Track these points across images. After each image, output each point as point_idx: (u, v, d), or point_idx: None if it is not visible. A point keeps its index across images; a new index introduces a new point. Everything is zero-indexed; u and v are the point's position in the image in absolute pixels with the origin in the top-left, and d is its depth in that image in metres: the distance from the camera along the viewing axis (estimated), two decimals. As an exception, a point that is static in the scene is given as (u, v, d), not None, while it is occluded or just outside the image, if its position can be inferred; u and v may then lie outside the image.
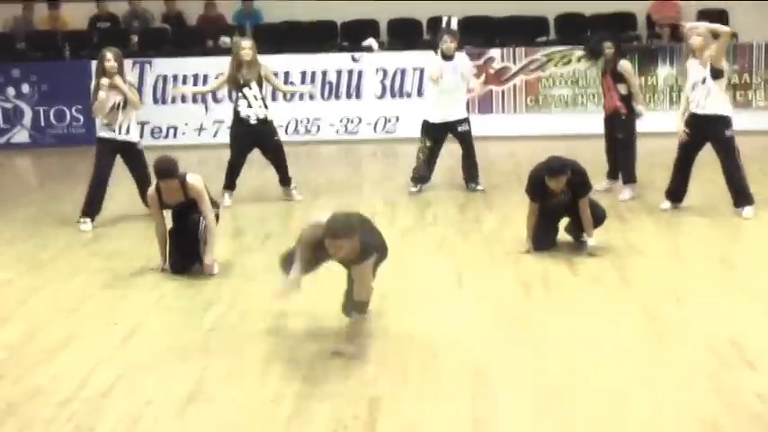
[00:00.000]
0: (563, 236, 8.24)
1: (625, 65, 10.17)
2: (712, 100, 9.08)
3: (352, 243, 5.59)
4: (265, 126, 10.35)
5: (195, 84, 14.29)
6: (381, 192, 10.94)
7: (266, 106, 10.34)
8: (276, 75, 11.34)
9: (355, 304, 5.86)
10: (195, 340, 6.28)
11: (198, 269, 7.66)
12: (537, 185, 7.88)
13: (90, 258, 8.35)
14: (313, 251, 5.90)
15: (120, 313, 6.86)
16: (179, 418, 5.14)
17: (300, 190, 10.59)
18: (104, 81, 9.34)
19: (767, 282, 7.19)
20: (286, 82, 14.84)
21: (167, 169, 7.46)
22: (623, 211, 9.58)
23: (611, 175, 10.42)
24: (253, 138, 10.34)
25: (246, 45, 10.24)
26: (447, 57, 10.61)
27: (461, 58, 10.83)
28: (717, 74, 9.04)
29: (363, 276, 5.80)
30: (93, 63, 13.90)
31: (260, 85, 10.25)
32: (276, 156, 10.50)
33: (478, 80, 12.20)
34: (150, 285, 7.44)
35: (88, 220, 9.42)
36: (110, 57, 9.43)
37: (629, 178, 10.15)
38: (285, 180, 10.58)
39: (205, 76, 14.72)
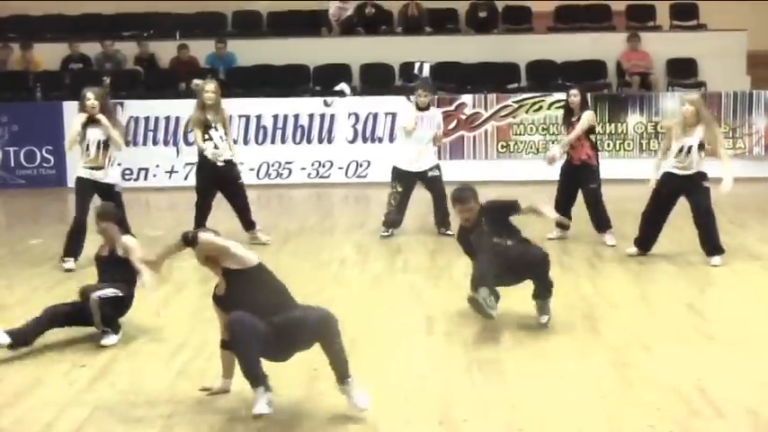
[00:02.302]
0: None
1: (587, 115, 10.25)
2: (695, 163, 9.24)
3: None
4: (231, 168, 10.39)
5: (167, 125, 14.46)
6: (353, 237, 10.97)
7: (231, 148, 10.38)
8: (232, 118, 11.35)
9: None
10: (162, 384, 6.26)
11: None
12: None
13: (57, 301, 8.30)
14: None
15: (88, 356, 6.82)
16: (146, 463, 5.13)
17: (271, 235, 10.59)
18: (81, 116, 9.38)
19: (734, 329, 7.26)
20: (258, 125, 15.03)
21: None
22: (594, 258, 9.67)
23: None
24: (219, 179, 10.37)
25: (210, 88, 10.30)
26: (421, 108, 10.72)
27: (435, 112, 10.98)
28: (702, 146, 9.21)
29: None
30: (66, 104, 14.08)
31: (225, 128, 10.31)
32: (240, 200, 10.52)
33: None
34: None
35: (71, 259, 9.40)
36: (90, 96, 9.46)
37: (608, 225, 10.27)
38: (249, 224, 10.58)
39: (177, 118, 14.89)
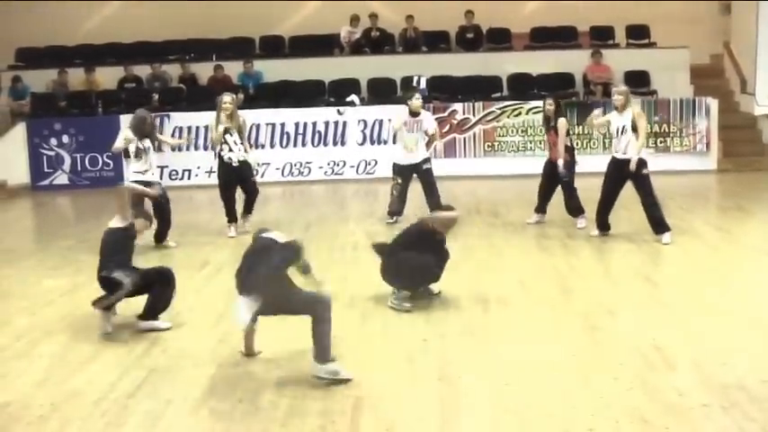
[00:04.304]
0: (514, 259, 8.25)
1: (561, 122, 10.13)
2: (631, 147, 9.20)
3: None
4: (245, 166, 10.32)
5: (206, 133, 14.44)
6: (363, 224, 10.96)
7: (246, 150, 10.32)
8: (250, 127, 11.26)
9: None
10: (206, 350, 6.27)
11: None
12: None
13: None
14: None
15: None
16: (193, 416, 5.14)
17: (295, 223, 10.56)
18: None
19: (683, 296, 7.26)
20: (282, 131, 15.03)
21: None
22: (566, 239, 9.65)
23: (540, 209, 10.50)
24: (235, 176, 10.32)
25: (227, 99, 10.24)
26: (413, 113, 10.62)
27: (426, 115, 10.77)
28: (635, 128, 9.18)
29: None
30: (122, 117, 14.07)
31: (240, 133, 10.26)
32: (251, 193, 10.48)
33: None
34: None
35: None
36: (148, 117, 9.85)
37: (580, 211, 10.21)
38: (248, 211, 10.53)
39: (214, 127, 14.83)
